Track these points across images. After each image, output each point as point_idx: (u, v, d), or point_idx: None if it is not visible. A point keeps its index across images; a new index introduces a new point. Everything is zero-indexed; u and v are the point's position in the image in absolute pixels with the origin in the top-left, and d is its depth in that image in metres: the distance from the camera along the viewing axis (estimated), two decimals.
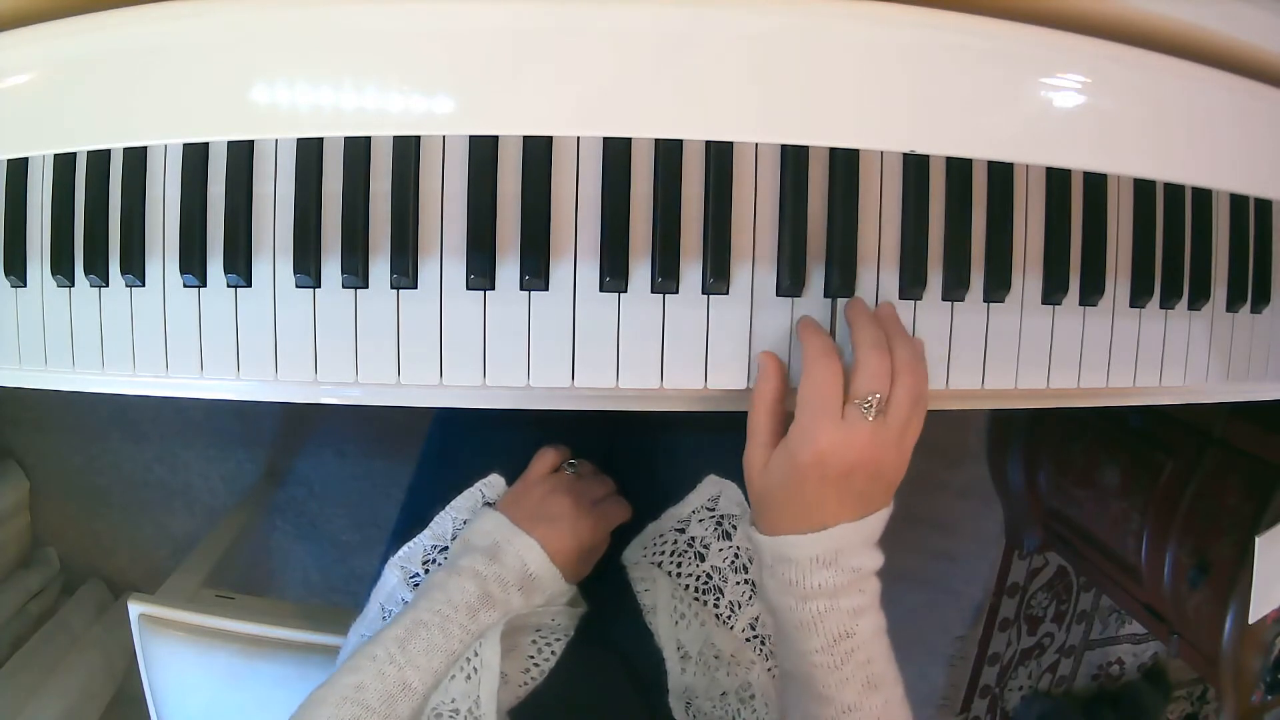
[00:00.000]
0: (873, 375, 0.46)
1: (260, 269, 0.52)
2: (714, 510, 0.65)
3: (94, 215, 0.53)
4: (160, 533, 1.44)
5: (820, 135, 0.45)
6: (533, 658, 0.55)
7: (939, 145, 0.45)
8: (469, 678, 0.50)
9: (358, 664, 0.50)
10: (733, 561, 0.63)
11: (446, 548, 0.63)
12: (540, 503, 0.59)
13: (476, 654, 0.51)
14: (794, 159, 0.52)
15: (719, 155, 0.51)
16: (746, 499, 0.65)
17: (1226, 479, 1.02)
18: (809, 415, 0.46)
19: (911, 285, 0.53)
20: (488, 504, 0.63)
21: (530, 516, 0.58)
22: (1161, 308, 0.58)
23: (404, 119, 0.42)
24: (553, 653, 0.56)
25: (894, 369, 0.47)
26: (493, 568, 0.55)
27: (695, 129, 0.44)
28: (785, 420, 0.49)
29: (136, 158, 0.52)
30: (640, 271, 0.52)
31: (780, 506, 0.47)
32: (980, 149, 0.46)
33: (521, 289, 0.52)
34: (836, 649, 0.46)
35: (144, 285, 0.53)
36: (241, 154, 0.51)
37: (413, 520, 0.65)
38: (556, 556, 0.57)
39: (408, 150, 0.51)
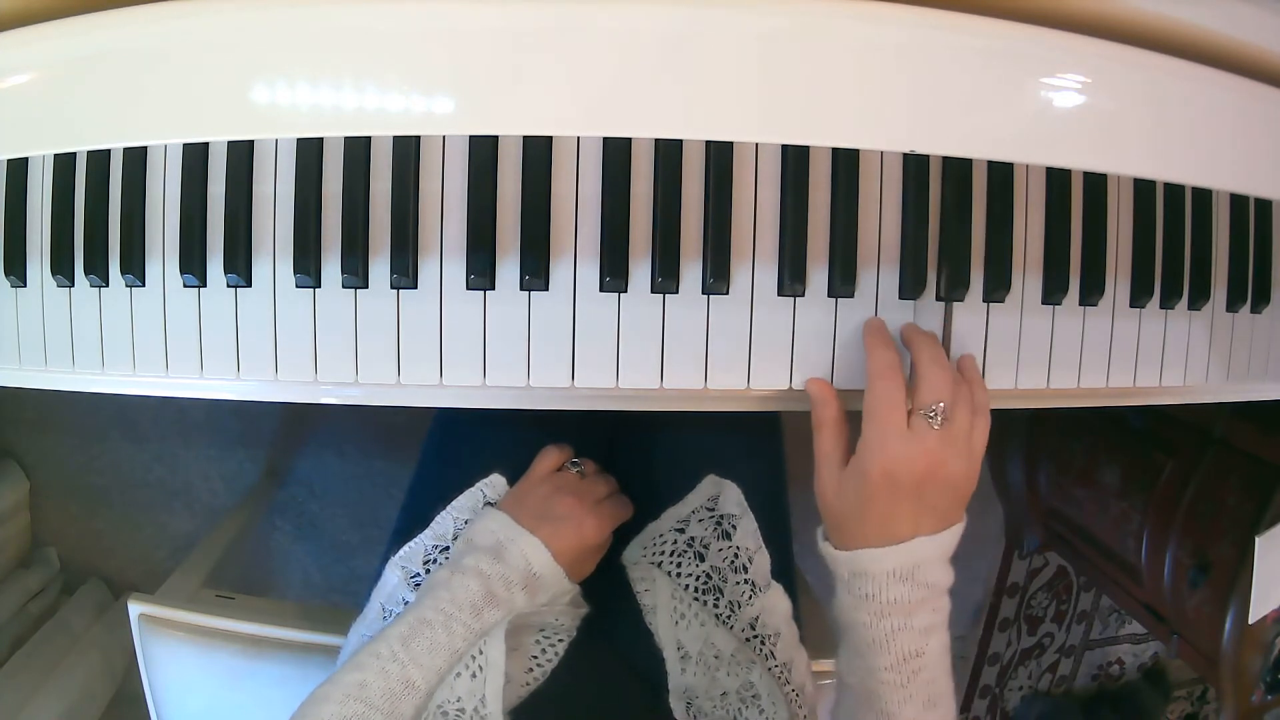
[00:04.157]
0: (935, 385, 0.47)
1: (260, 269, 0.52)
2: (714, 510, 0.65)
3: (94, 215, 0.53)
4: (160, 533, 1.44)
5: (820, 135, 0.45)
6: (535, 658, 0.55)
7: (939, 145, 0.45)
8: (474, 676, 0.50)
9: (361, 661, 0.50)
10: (732, 561, 0.63)
11: (448, 547, 0.63)
12: (544, 502, 0.59)
13: (481, 652, 0.51)
14: (794, 159, 0.52)
15: (719, 155, 0.51)
16: (747, 500, 0.65)
17: (1226, 479, 1.02)
18: (875, 429, 0.47)
19: (912, 285, 0.53)
20: (489, 503, 0.63)
21: (534, 515, 0.58)
22: (1161, 308, 0.58)
23: (404, 119, 0.42)
24: (555, 653, 0.56)
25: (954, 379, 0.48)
26: (497, 567, 0.55)
27: (696, 129, 0.44)
28: (851, 439, 0.50)
29: (136, 158, 0.52)
30: (640, 271, 0.52)
31: (856, 523, 0.48)
32: (980, 149, 0.46)
33: (521, 289, 0.52)
34: (905, 667, 0.47)
35: (144, 285, 0.53)
36: (241, 154, 0.51)
37: (413, 520, 0.65)
38: (560, 556, 0.57)
39: (408, 150, 0.51)
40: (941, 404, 0.47)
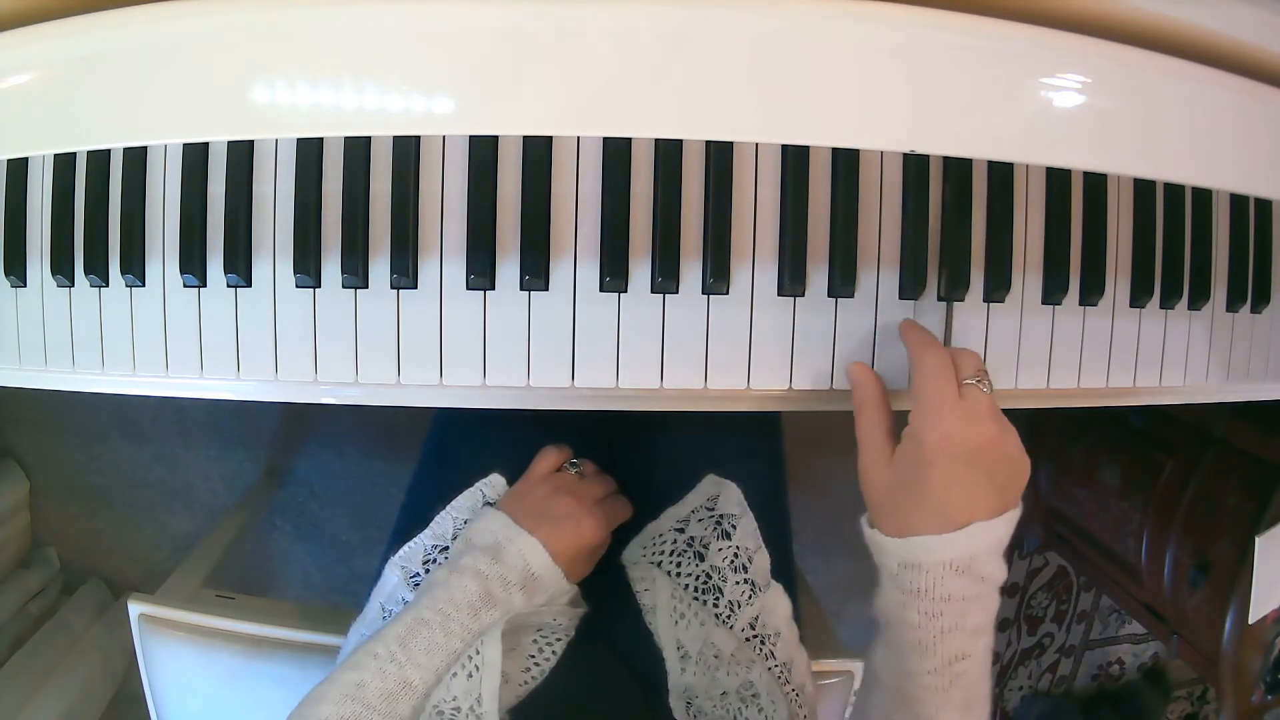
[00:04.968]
0: (972, 357, 0.48)
1: (260, 269, 0.52)
2: (713, 510, 0.65)
3: (94, 215, 0.53)
4: (160, 533, 1.44)
5: (820, 135, 0.45)
6: (533, 657, 0.55)
7: (939, 145, 0.46)
8: (470, 676, 0.50)
9: (359, 661, 0.50)
10: (732, 561, 0.63)
11: (447, 547, 0.63)
12: (543, 502, 0.59)
13: (478, 652, 0.51)
14: (794, 159, 0.52)
15: (719, 155, 0.51)
16: (746, 500, 0.65)
17: (1226, 479, 1.02)
18: (928, 397, 0.46)
19: (912, 285, 0.53)
20: (488, 503, 0.63)
21: (533, 515, 0.58)
22: (1161, 308, 0.58)
23: (404, 119, 0.42)
24: (554, 652, 0.56)
25: None
26: (495, 567, 0.55)
27: (695, 129, 0.44)
28: (892, 422, 0.49)
29: (136, 158, 0.52)
30: (640, 271, 0.52)
31: (908, 501, 0.46)
32: (980, 149, 0.47)
33: (521, 289, 0.52)
34: (949, 670, 0.45)
35: (144, 285, 0.53)
36: (241, 154, 0.51)
37: (413, 520, 0.65)
38: (559, 556, 0.57)
39: (408, 150, 0.51)
40: (985, 372, 0.47)
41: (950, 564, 0.44)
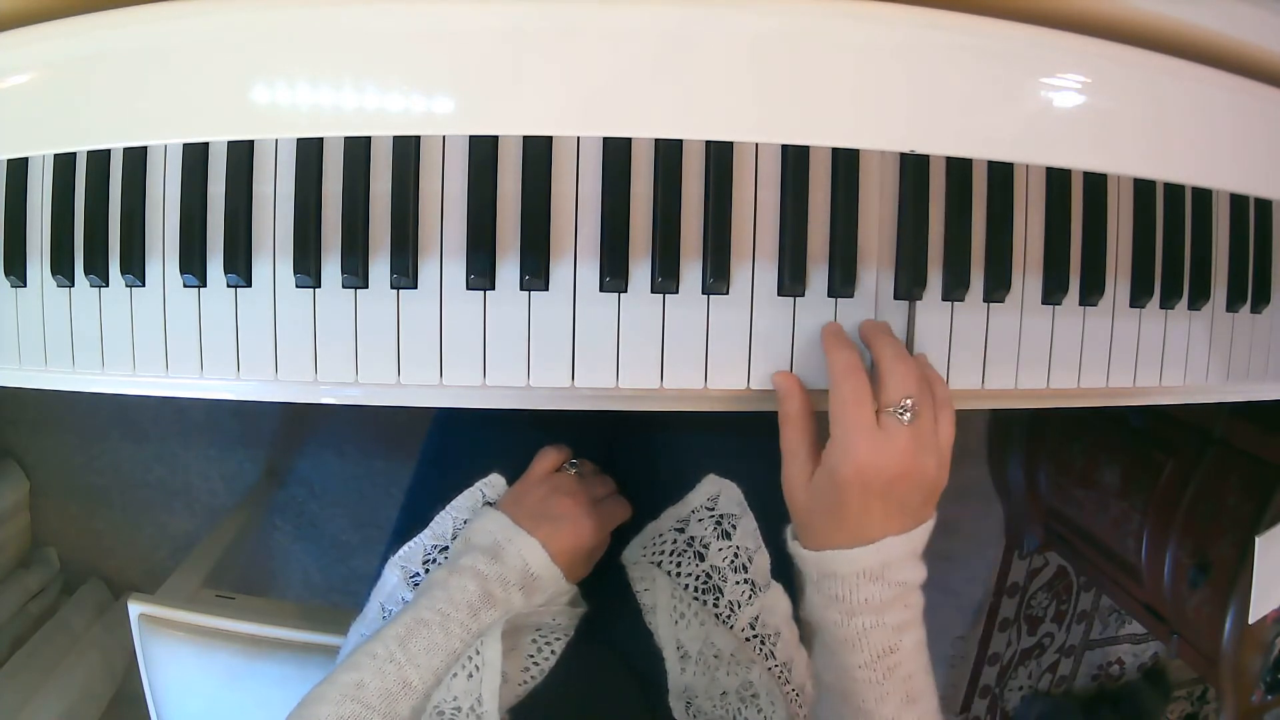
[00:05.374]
0: (902, 380, 0.46)
1: (260, 269, 0.52)
2: (713, 510, 0.65)
3: (94, 215, 0.53)
4: (160, 533, 1.44)
5: (819, 135, 0.45)
6: (532, 657, 0.55)
7: (938, 145, 0.45)
8: (470, 676, 0.50)
9: (358, 661, 0.50)
10: (732, 561, 0.63)
11: (447, 547, 0.63)
12: (542, 502, 0.59)
13: (478, 652, 0.51)
14: (794, 159, 0.52)
15: (719, 155, 0.51)
16: (746, 500, 0.65)
17: (1226, 479, 1.02)
18: (844, 429, 0.46)
19: (912, 285, 0.53)
20: (488, 503, 0.63)
21: (532, 516, 0.58)
22: (1161, 308, 0.58)
23: (404, 119, 0.42)
24: (553, 652, 0.56)
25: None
26: (494, 567, 0.55)
27: (695, 129, 0.44)
28: (819, 431, 0.49)
29: (136, 158, 0.52)
30: (640, 271, 0.52)
31: (825, 523, 0.47)
32: (979, 149, 0.46)
33: (521, 289, 0.52)
34: (880, 664, 0.46)
35: (144, 285, 0.53)
36: (241, 154, 0.51)
37: (413, 520, 0.65)
38: (558, 556, 0.57)
39: (408, 150, 0.51)
40: (909, 399, 0.46)
41: (864, 573, 0.46)
